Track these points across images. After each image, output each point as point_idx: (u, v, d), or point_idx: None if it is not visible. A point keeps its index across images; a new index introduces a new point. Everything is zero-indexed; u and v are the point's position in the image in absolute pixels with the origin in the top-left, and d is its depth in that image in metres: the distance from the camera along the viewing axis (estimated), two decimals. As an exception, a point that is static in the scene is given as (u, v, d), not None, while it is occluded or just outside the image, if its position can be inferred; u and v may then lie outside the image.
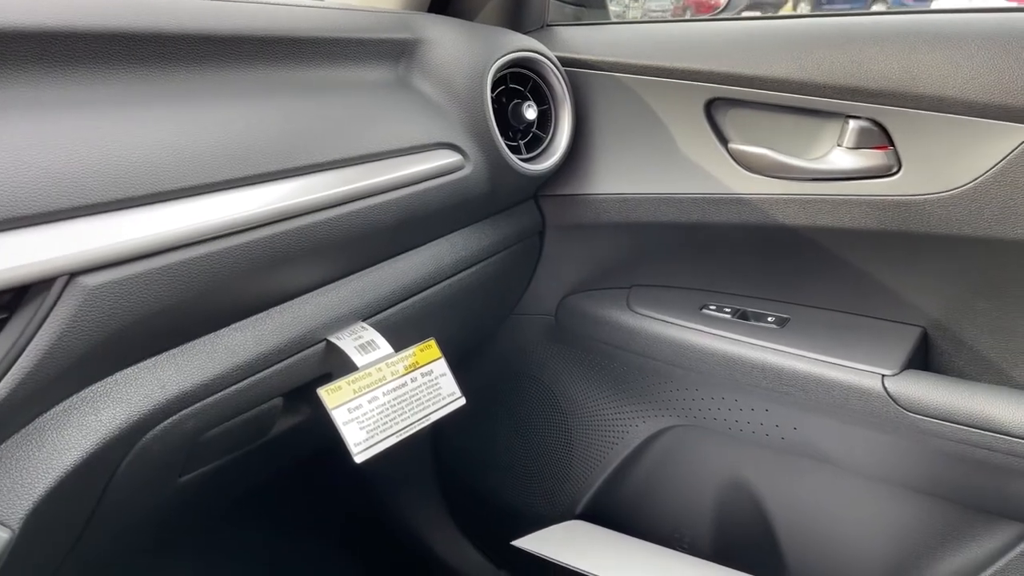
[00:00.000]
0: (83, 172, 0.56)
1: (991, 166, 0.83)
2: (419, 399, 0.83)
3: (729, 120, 0.98)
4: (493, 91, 0.95)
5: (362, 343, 0.81)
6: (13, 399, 0.53)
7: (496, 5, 1.11)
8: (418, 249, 0.91)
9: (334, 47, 0.84)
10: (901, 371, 0.91)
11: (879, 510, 1.01)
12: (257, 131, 0.70)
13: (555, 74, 1.03)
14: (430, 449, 1.37)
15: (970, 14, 0.89)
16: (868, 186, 0.90)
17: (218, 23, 0.73)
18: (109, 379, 0.61)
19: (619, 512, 1.22)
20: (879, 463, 0.97)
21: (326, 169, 0.74)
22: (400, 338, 0.83)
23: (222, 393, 0.69)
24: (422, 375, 0.84)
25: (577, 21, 1.23)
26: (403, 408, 0.81)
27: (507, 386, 1.26)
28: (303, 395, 0.79)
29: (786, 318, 1.02)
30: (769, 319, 1.02)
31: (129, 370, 0.63)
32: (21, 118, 0.56)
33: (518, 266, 1.11)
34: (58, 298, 0.54)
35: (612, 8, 1.46)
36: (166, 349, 0.65)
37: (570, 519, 1.22)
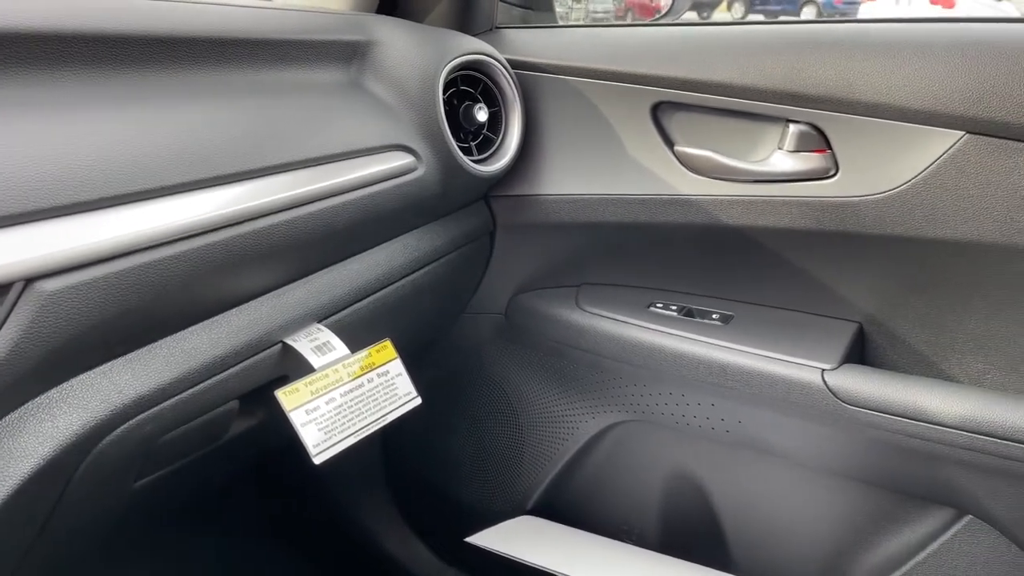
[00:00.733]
0: (36, 176, 0.55)
1: (921, 170, 0.88)
2: (376, 399, 0.84)
3: (675, 123, 1.01)
4: (444, 93, 0.96)
5: (318, 344, 0.81)
6: None
7: (444, 7, 1.11)
8: (372, 250, 0.92)
9: (286, 49, 0.84)
10: (839, 365, 0.95)
11: (819, 498, 1.05)
12: (211, 134, 0.70)
13: (505, 77, 1.04)
14: (381, 448, 1.37)
15: (903, 24, 0.94)
16: (807, 188, 0.94)
17: (170, 25, 0.72)
18: (66, 384, 0.61)
19: (569, 507, 1.24)
20: (819, 454, 1.01)
21: (281, 172, 0.74)
22: (355, 339, 0.84)
23: (179, 397, 0.68)
24: (378, 375, 0.85)
25: (525, 24, 1.25)
26: (360, 409, 0.81)
27: (458, 384, 1.27)
28: (259, 397, 0.79)
29: (730, 315, 1.05)
30: (714, 316, 1.05)
31: (86, 375, 0.62)
32: None
33: (469, 266, 1.12)
34: (15, 304, 0.53)
35: (557, 9, 1.48)
36: (123, 353, 0.65)
37: (521, 515, 1.23)
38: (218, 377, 0.72)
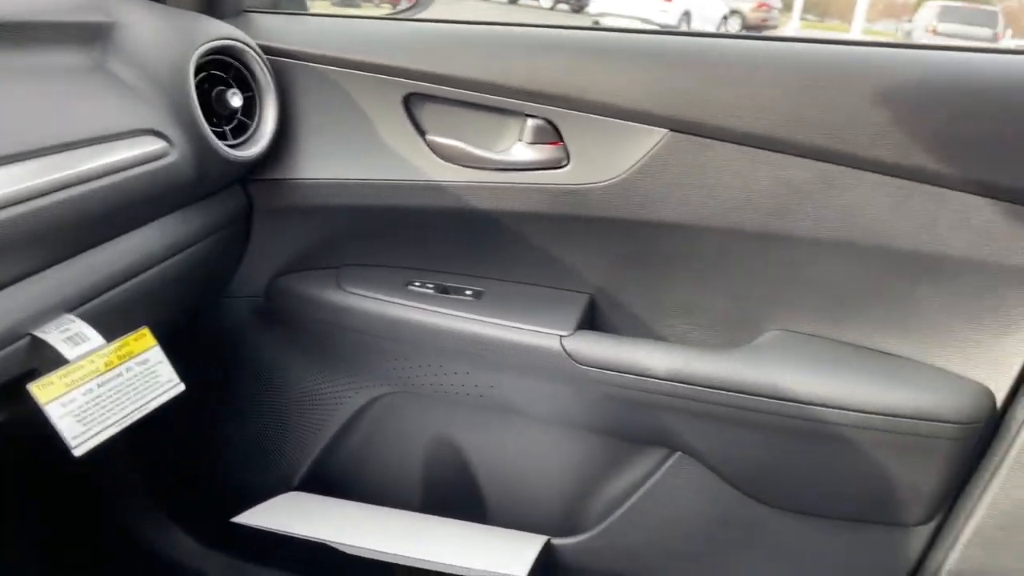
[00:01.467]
0: None
1: (635, 162, 1.02)
2: (136, 388, 0.83)
3: (426, 114, 1.08)
4: (195, 77, 0.96)
5: (70, 335, 0.79)
6: None
7: None
8: (125, 236, 0.90)
9: (23, 31, 0.80)
10: (574, 332, 1.08)
11: (558, 450, 1.19)
12: None
13: (258, 63, 1.05)
14: (141, 438, 1.33)
15: (621, 34, 1.07)
16: (544, 176, 1.06)
17: None
18: None
19: (337, 480, 1.29)
20: (558, 410, 1.14)
21: (24, 159, 0.72)
22: (111, 328, 0.82)
23: None
24: (137, 364, 0.84)
25: (274, 9, 1.25)
26: (120, 398, 0.81)
27: (220, 368, 1.26)
28: (10, 393, 0.76)
29: (481, 291, 1.15)
30: (467, 292, 1.15)
31: None
32: None
33: (227, 249, 1.12)
34: None
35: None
36: None
37: (287, 492, 1.26)
38: None
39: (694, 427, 1.09)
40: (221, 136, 1.01)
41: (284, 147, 1.10)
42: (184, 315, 1.16)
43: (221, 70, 1.03)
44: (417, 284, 1.16)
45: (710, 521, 1.15)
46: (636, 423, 1.12)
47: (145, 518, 1.38)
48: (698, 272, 1.09)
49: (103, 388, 0.79)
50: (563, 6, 15.84)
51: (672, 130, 1.00)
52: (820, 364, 1.04)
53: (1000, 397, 1.01)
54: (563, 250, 1.13)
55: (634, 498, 1.16)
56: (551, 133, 1.05)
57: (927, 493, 1.05)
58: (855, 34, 15.29)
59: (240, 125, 1.05)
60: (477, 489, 1.24)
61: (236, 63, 1.05)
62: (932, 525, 1.09)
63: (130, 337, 0.84)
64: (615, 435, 1.16)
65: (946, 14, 15.62)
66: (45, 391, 0.73)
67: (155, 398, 0.85)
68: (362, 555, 1.07)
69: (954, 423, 0.99)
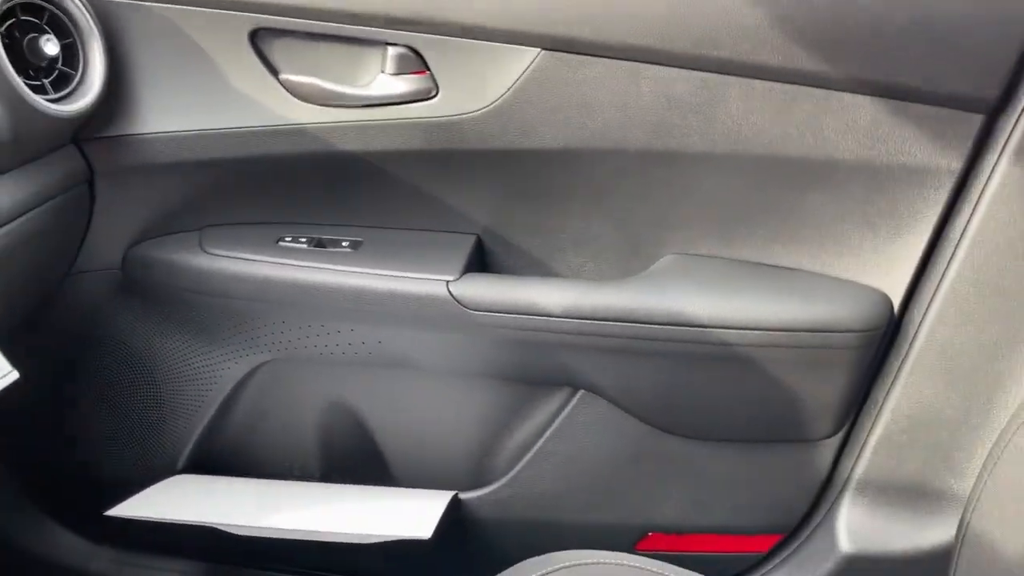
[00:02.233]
0: None
1: (509, 86, 0.95)
2: (-44, 381, 0.73)
3: (276, 50, 0.98)
4: (1, 25, 0.84)
5: None
6: None
7: None
8: None
9: None
10: (461, 276, 1.01)
11: (460, 401, 1.13)
12: None
13: (76, 4, 0.93)
14: (3, 436, 1.21)
15: None
16: (412, 110, 0.97)
17: None
18: None
19: (227, 459, 1.20)
20: (454, 360, 1.08)
21: None
22: None
23: None
24: (-43, 354, 0.74)
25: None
26: (-65, 395, 0.70)
27: (80, 351, 1.15)
28: None
29: (359, 241, 1.07)
30: (344, 244, 1.07)
31: None
32: None
33: (68, 219, 1.01)
34: None
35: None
36: None
37: (171, 476, 1.17)
38: None
39: (595, 362, 1.04)
40: (39, 90, 0.89)
41: (120, 100, 0.98)
42: (27, 295, 1.04)
43: (33, 15, 0.91)
44: (288, 239, 1.07)
45: (620, 457, 1.12)
46: (535, 365, 1.07)
47: (23, 520, 1.27)
48: (586, 201, 1.04)
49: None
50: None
51: (545, 48, 0.93)
52: (716, 285, 1.01)
53: (897, 302, 1.00)
54: (443, 189, 1.06)
55: (540, 441, 1.12)
56: (415, 62, 0.97)
57: (832, 405, 1.04)
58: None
59: (62, 76, 0.93)
60: (377, 452, 1.17)
61: (49, 6, 0.92)
62: (839, 436, 1.09)
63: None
64: (514, 379, 1.11)
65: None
66: None
67: (-18, 390, 0.75)
68: (253, 535, 0.99)
69: (853, 331, 0.97)
